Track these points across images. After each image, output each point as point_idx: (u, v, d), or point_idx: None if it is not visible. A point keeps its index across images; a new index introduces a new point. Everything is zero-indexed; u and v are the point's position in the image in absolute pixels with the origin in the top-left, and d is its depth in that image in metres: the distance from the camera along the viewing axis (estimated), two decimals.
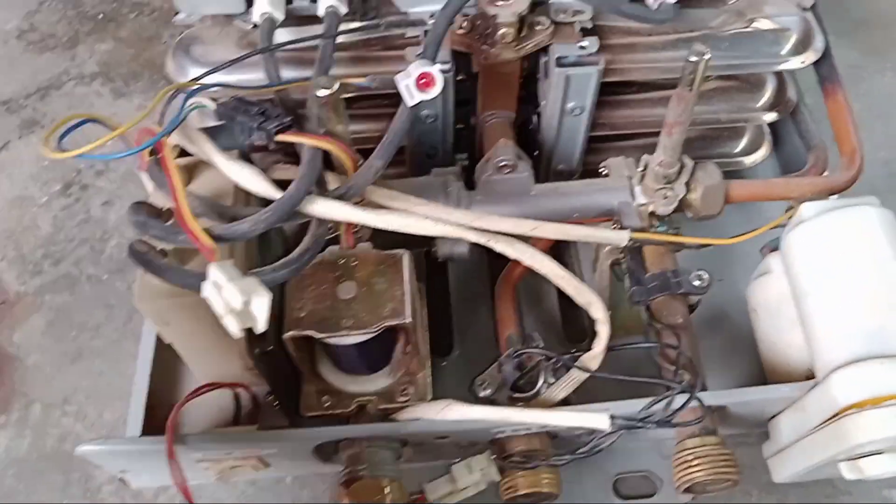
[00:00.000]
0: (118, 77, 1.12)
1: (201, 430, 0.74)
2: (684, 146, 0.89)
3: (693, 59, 0.59)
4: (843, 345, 0.61)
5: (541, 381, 0.71)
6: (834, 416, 0.60)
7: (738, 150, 0.91)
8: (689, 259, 0.82)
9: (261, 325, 0.47)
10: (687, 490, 0.66)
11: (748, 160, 0.91)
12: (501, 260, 0.87)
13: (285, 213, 0.54)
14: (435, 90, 0.60)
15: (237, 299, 0.46)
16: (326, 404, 0.68)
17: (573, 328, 0.86)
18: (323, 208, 0.56)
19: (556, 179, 0.84)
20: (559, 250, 0.93)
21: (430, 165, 0.80)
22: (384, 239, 0.71)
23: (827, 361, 0.62)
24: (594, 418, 0.59)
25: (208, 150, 0.58)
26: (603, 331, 0.63)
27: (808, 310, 0.64)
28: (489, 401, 0.70)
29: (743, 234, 0.71)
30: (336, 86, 0.58)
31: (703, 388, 0.67)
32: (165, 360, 0.75)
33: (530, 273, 0.85)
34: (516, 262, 0.82)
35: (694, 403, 0.61)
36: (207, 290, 0.47)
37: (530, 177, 0.74)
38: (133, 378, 0.75)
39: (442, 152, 0.81)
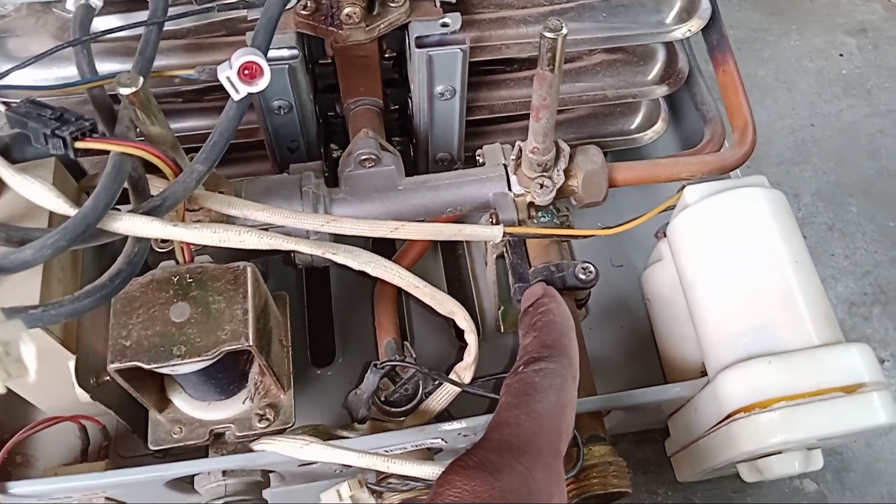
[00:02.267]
0: None
1: (48, 468, 0.67)
2: (574, 125, 0.84)
3: (549, 35, 0.52)
4: (731, 341, 0.56)
5: (419, 394, 0.65)
6: (724, 419, 0.55)
7: (633, 126, 0.86)
8: (588, 245, 0.77)
9: (31, 376, 0.39)
10: (581, 503, 0.60)
11: (646, 136, 0.86)
12: (388, 256, 0.81)
13: (78, 234, 0.46)
14: (262, 82, 0.52)
15: None
16: (177, 435, 0.61)
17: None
18: (127, 225, 0.48)
19: (437, 169, 0.78)
20: (451, 244, 0.87)
21: (294, 160, 0.73)
22: (229, 251, 0.64)
23: (716, 359, 0.57)
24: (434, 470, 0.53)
25: None
26: (472, 340, 0.57)
27: (695, 302, 0.59)
28: (364, 420, 0.64)
29: (628, 222, 0.65)
30: (140, 82, 0.50)
31: (592, 393, 0.62)
32: (10, 392, 0.68)
33: (419, 264, 0.79)
34: (397, 258, 0.76)
35: None
36: None
37: (398, 170, 0.67)
38: None
39: (305, 144, 0.73)
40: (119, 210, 0.50)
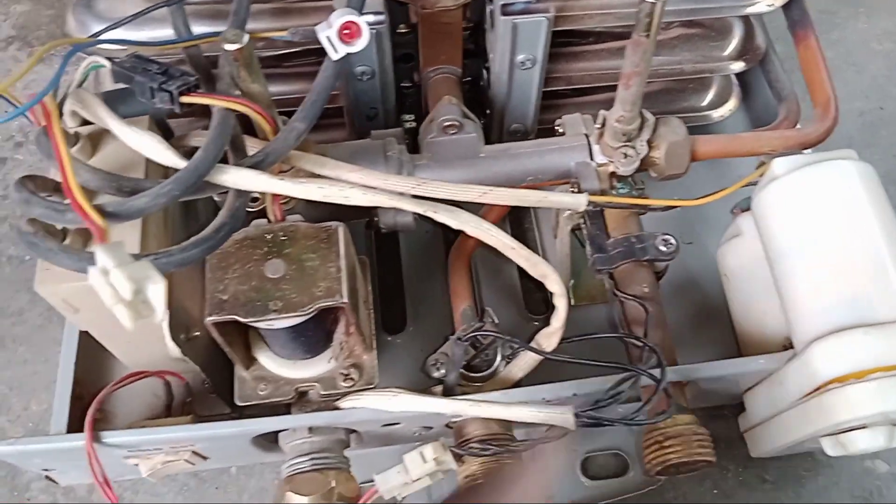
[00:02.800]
0: (36, 41, 1.03)
1: (131, 422, 0.68)
2: (647, 100, 0.84)
3: (648, 0, 0.53)
4: (822, 313, 0.56)
5: (498, 360, 0.65)
6: (814, 391, 0.55)
7: (704, 103, 0.85)
8: (656, 222, 0.77)
9: (159, 316, 0.41)
10: (660, 472, 0.61)
11: (716, 114, 0.85)
12: (456, 231, 0.81)
13: (190, 185, 0.47)
14: (361, 42, 0.53)
15: (125, 287, 0.39)
16: (263, 392, 0.62)
17: (535, 298, 0.81)
18: (235, 178, 0.49)
19: (510, 140, 0.78)
20: (517, 217, 0.87)
21: (372, 128, 0.73)
22: (320, 211, 0.65)
23: (806, 331, 0.56)
24: (557, 416, 0.53)
25: (103, 114, 0.51)
26: (560, 305, 0.57)
27: (783, 275, 0.59)
28: (442, 382, 0.64)
29: (712, 194, 0.65)
30: (245, 39, 0.51)
31: (674, 363, 0.62)
32: (93, 347, 0.69)
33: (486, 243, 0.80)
34: None
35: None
36: (94, 277, 0.41)
37: (479, 137, 0.68)
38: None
39: (383, 113, 0.74)
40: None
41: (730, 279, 0.69)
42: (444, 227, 0.81)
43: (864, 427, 0.56)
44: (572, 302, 0.78)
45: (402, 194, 0.54)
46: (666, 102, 0.83)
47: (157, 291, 0.40)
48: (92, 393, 0.63)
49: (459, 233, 0.77)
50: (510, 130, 0.78)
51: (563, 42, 0.75)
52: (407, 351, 0.77)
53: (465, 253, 0.74)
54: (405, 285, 0.80)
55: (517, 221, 0.86)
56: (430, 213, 0.52)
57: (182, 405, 0.68)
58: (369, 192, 0.51)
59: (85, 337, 0.70)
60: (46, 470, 0.69)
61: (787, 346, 0.61)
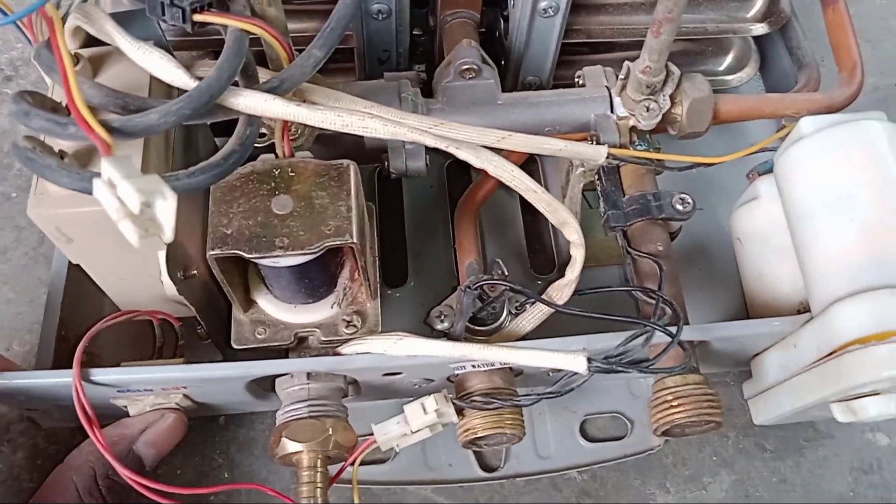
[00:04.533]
0: None
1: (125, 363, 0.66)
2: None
3: None
4: (845, 274, 0.54)
5: (504, 314, 0.64)
6: (831, 354, 0.53)
7: (723, 67, 0.84)
8: (667, 187, 0.75)
9: (168, 233, 0.38)
10: (665, 433, 0.59)
11: (734, 78, 0.84)
12: (461, 184, 0.79)
13: (201, 105, 0.45)
14: None
15: (134, 200, 0.37)
16: (261, 336, 0.60)
17: (540, 258, 0.79)
18: (248, 102, 0.47)
19: None
20: (526, 172, 0.85)
21: (384, 72, 0.70)
22: (329, 150, 0.62)
23: (826, 293, 0.55)
24: (569, 360, 0.51)
25: (110, 29, 0.48)
26: (577, 255, 0.55)
27: (805, 236, 0.57)
28: (446, 334, 0.62)
29: (733, 154, 0.64)
30: None
31: (686, 323, 0.60)
32: (81, 286, 0.67)
33: (493, 198, 0.77)
34: (478, 185, 0.75)
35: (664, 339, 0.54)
36: (99, 190, 0.38)
37: (496, 84, 0.65)
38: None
39: (396, 56, 0.71)
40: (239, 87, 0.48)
41: (743, 244, 0.67)
42: (450, 182, 0.81)
43: (876, 393, 0.55)
44: None
45: (418, 130, 0.52)
46: (684, 64, 0.80)
47: (166, 208, 0.37)
48: (77, 336, 0.60)
49: (465, 188, 0.75)
50: (525, 83, 0.76)
51: None
52: (407, 305, 0.75)
53: (472, 207, 0.72)
54: (407, 240, 0.78)
55: None
56: (452, 150, 0.50)
57: (173, 350, 0.66)
58: (390, 124, 0.48)
59: (73, 276, 0.67)
60: (29, 410, 0.67)
61: (802, 310, 0.60)
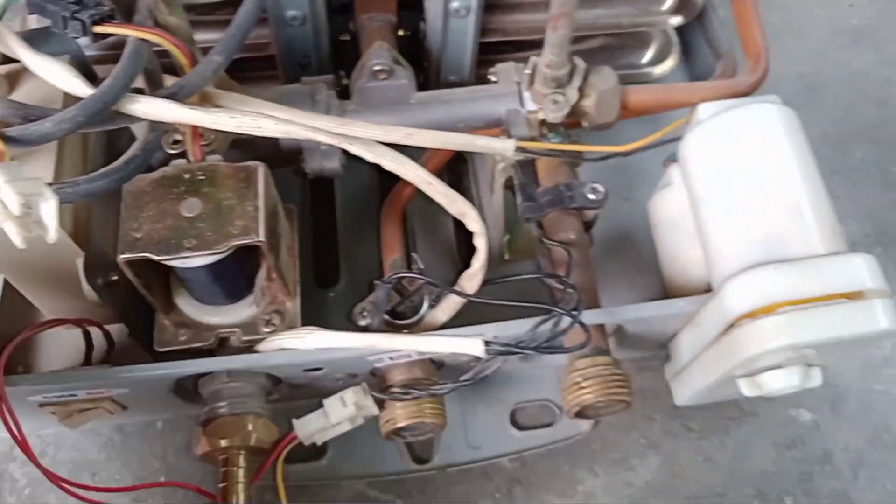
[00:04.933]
0: None
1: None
2: (587, 57, 0.84)
3: None
4: (736, 252, 0.56)
5: (424, 307, 0.65)
6: (728, 328, 0.55)
7: (645, 60, 0.86)
8: (594, 178, 0.77)
9: (51, 234, 0.40)
10: (578, 414, 0.61)
11: (657, 70, 0.86)
12: (393, 184, 0.81)
13: (97, 112, 0.46)
14: None
15: (14, 202, 0.38)
16: (183, 338, 0.61)
17: (471, 255, 0.80)
18: (145, 107, 0.48)
19: None
20: (457, 174, 0.87)
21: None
22: (243, 154, 0.64)
23: (722, 271, 0.57)
24: (467, 343, 0.53)
25: (12, 43, 0.50)
26: (480, 244, 0.57)
27: (703, 217, 0.60)
28: (367, 329, 0.64)
29: (639, 142, 0.66)
30: None
31: (596, 307, 0.62)
32: (11, 301, 0.68)
33: (422, 197, 0.79)
34: (404, 183, 0.76)
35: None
36: None
37: (410, 84, 0.67)
38: None
39: (317, 62, 0.73)
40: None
41: (658, 229, 0.69)
42: (383, 184, 0.82)
43: (778, 367, 0.57)
44: (507, 256, 0.78)
45: (317, 129, 0.54)
46: (606, 59, 0.82)
47: (48, 209, 0.39)
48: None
49: (395, 187, 0.77)
50: (447, 82, 0.77)
51: None
52: (340, 305, 0.76)
53: (398, 205, 0.74)
54: (339, 240, 0.79)
55: (457, 178, 0.86)
56: (344, 145, 0.51)
57: (103, 356, 0.67)
58: (282, 123, 0.50)
59: (7, 288, 0.68)
60: None
61: (709, 290, 0.62)
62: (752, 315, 0.53)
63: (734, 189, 0.57)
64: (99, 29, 0.50)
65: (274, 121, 0.50)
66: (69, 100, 0.55)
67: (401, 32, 0.78)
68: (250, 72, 0.78)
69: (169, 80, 0.55)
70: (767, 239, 0.55)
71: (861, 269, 0.53)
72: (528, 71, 0.65)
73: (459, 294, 0.59)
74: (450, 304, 0.61)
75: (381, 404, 0.62)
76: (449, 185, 0.82)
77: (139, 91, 0.51)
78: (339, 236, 0.80)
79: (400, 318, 0.64)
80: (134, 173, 0.50)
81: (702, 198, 0.59)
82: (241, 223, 0.54)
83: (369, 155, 0.52)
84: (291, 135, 0.50)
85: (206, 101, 0.56)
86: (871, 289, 0.53)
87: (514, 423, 0.73)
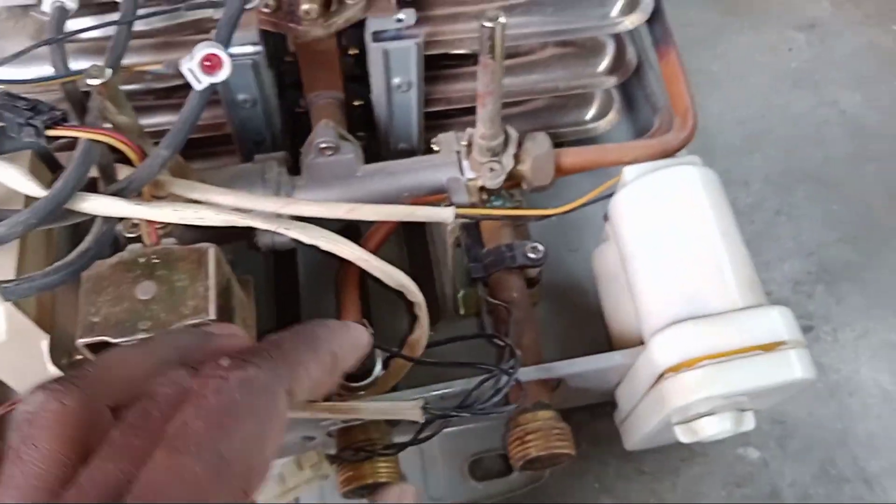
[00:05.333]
0: None
1: None
2: (531, 117, 0.89)
3: (487, 24, 0.57)
4: (663, 307, 0.60)
5: (378, 368, 0.68)
6: (656, 381, 0.59)
7: (588, 117, 0.90)
8: (545, 232, 0.81)
9: (1, 337, 0.43)
10: (524, 467, 0.64)
11: (600, 127, 0.90)
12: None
13: (48, 213, 0.50)
14: (223, 73, 0.56)
15: None
16: None
17: (430, 310, 0.84)
18: (93, 205, 0.52)
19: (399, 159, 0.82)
20: (416, 235, 0.90)
21: (261, 153, 0.76)
22: (196, 234, 0.68)
23: (650, 326, 0.60)
24: (405, 407, 0.56)
25: None
26: (421, 314, 0.61)
27: (631, 273, 0.63)
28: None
29: (576, 202, 0.69)
30: (108, 74, 0.54)
31: (538, 362, 0.66)
32: None
33: (382, 253, 0.83)
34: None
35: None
36: None
37: (357, 158, 0.71)
38: None
39: (271, 138, 0.77)
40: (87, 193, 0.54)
41: (601, 281, 0.73)
42: None
43: (712, 413, 0.60)
44: (462, 312, 0.81)
45: (264, 214, 0.57)
46: (549, 118, 0.88)
47: None
48: None
49: None
50: (397, 150, 0.82)
51: (440, 64, 0.79)
52: None
53: (353, 270, 0.77)
54: (302, 305, 0.83)
55: (415, 239, 0.90)
56: (282, 230, 0.55)
57: None
58: (223, 212, 0.54)
59: None
60: None
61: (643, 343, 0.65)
62: (675, 369, 0.56)
63: (658, 248, 0.61)
64: (51, 132, 0.54)
65: (213, 211, 0.54)
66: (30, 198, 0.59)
67: (357, 102, 0.82)
68: (211, 147, 0.83)
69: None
70: (690, 295, 0.58)
71: (777, 321, 0.56)
72: (464, 142, 0.69)
73: (405, 357, 0.63)
74: (397, 368, 0.64)
75: (338, 464, 0.65)
76: (407, 245, 0.88)
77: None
78: (302, 302, 0.83)
79: (353, 380, 0.68)
80: (87, 265, 0.53)
81: (629, 256, 0.63)
82: (192, 303, 0.58)
83: (305, 238, 0.55)
84: (231, 223, 0.54)
85: (157, 187, 0.60)
86: (787, 340, 0.56)
87: (473, 473, 0.75)
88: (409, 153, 0.81)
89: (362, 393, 0.67)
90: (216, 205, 0.55)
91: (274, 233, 0.67)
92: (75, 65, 0.66)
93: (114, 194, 0.54)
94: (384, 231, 0.80)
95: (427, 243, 0.90)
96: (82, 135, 0.54)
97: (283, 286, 0.84)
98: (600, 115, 0.90)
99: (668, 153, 0.73)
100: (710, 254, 0.60)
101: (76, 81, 0.62)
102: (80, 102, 0.61)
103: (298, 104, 0.81)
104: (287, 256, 0.85)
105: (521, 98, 0.82)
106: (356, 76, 0.79)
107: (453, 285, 0.82)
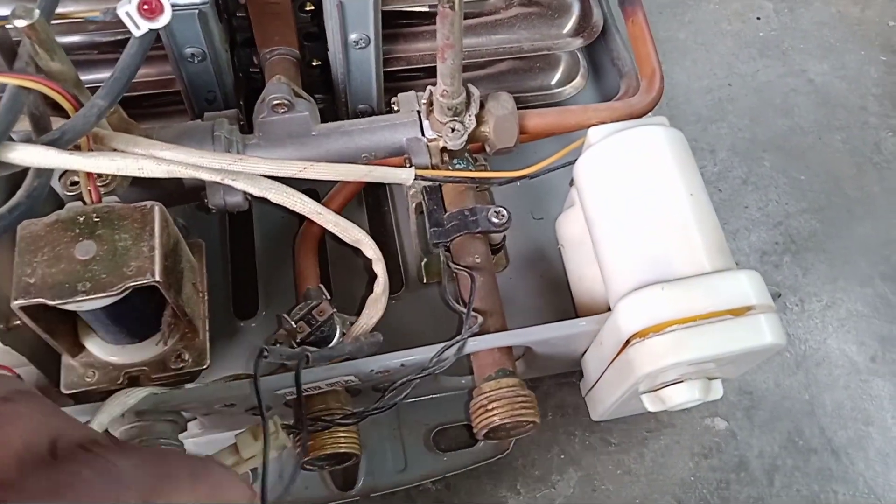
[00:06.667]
0: None
1: None
2: (496, 80, 0.86)
3: None
4: (629, 272, 0.58)
5: (337, 336, 0.66)
6: (623, 348, 0.57)
7: (553, 81, 0.88)
8: (509, 199, 0.79)
9: None
10: (487, 436, 0.62)
11: (565, 91, 0.88)
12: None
13: None
14: (163, 18, 0.52)
15: None
16: (91, 379, 0.61)
17: (393, 279, 0.81)
18: (23, 155, 0.48)
19: None
20: (377, 199, 0.87)
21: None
22: (142, 194, 0.64)
23: (616, 291, 0.58)
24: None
25: None
26: (379, 270, 0.58)
27: (596, 238, 0.61)
28: (285, 365, 0.64)
29: (538, 164, 0.67)
30: (36, 14, 0.50)
31: (502, 329, 0.63)
32: None
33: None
34: None
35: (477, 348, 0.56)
36: None
37: (312, 116, 0.68)
38: None
39: (222, 96, 0.73)
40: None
41: (565, 248, 0.71)
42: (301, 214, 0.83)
43: (679, 382, 0.59)
44: (424, 279, 0.79)
45: (209, 168, 0.54)
46: (514, 82, 0.85)
47: None
48: None
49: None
50: (357, 111, 0.78)
51: (401, 24, 0.76)
52: (260, 335, 0.76)
53: (312, 234, 0.74)
54: (258, 271, 0.80)
55: (376, 203, 0.87)
56: (227, 181, 0.52)
57: None
58: (164, 163, 0.50)
59: None
60: None
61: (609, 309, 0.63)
62: (642, 334, 0.54)
63: (624, 210, 0.59)
64: None
65: (155, 161, 0.50)
66: None
67: (315, 63, 0.79)
68: (162, 107, 0.79)
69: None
70: (656, 259, 0.56)
71: (745, 286, 0.55)
72: (424, 101, 0.66)
73: (364, 322, 0.60)
74: (357, 332, 0.62)
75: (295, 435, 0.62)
76: (367, 211, 0.85)
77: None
78: (258, 268, 0.80)
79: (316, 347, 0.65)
80: (18, 221, 0.49)
81: (594, 220, 0.61)
82: (136, 264, 0.54)
83: (255, 189, 0.52)
84: (173, 174, 0.51)
85: (97, 142, 0.57)
86: (756, 304, 0.54)
87: (438, 445, 0.73)
88: (371, 115, 0.78)
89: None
90: (152, 156, 0.52)
91: (225, 192, 0.65)
92: (5, 10, 0.61)
93: (46, 145, 0.50)
94: (343, 196, 0.77)
95: (389, 212, 0.88)
96: (10, 81, 0.50)
97: (239, 252, 0.81)
98: (566, 80, 0.87)
99: (634, 116, 0.71)
100: (678, 216, 0.58)
101: (5, 26, 0.58)
102: (10, 48, 0.57)
103: (253, 63, 0.77)
104: (243, 223, 0.82)
105: (484, 59, 0.80)
106: (313, 34, 0.76)
107: (416, 253, 0.79)
